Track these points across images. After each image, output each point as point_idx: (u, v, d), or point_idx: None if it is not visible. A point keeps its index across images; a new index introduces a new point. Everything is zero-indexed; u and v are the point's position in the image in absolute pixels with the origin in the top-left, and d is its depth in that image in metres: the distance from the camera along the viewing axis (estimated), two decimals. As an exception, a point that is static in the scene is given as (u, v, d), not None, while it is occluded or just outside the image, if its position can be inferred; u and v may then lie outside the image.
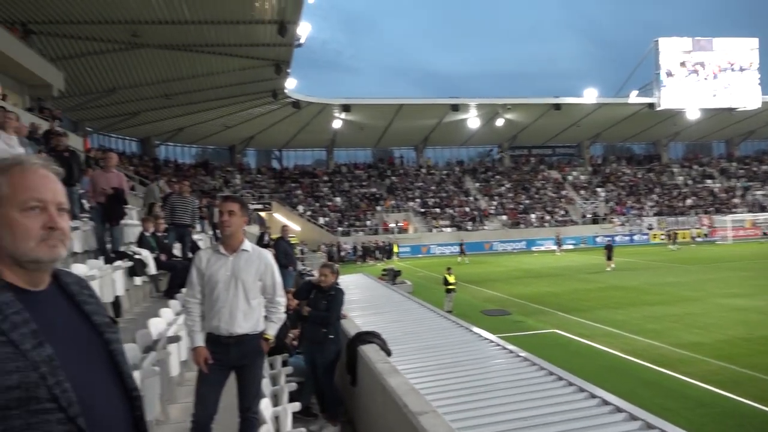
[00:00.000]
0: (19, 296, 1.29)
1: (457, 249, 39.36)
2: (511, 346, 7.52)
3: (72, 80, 26.20)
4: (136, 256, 8.70)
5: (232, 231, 3.80)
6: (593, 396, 5.35)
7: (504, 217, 48.49)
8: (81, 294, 1.48)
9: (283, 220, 38.21)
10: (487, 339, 8.24)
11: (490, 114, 48.39)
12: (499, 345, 7.79)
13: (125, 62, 27.81)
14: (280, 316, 4.01)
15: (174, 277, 9.21)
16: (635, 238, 47.01)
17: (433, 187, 51.94)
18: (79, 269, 6.50)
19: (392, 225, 45.14)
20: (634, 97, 49.44)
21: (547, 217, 48.89)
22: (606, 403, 5.14)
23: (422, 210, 48.34)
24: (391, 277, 24.73)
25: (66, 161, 8.93)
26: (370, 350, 5.81)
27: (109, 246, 8.72)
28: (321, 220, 44.85)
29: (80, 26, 23.63)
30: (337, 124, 46.96)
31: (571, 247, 43.70)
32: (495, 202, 50.62)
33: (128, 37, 25.24)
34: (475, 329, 8.93)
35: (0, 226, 1.31)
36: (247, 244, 3.89)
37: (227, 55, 29.07)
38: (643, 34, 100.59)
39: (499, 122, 49.30)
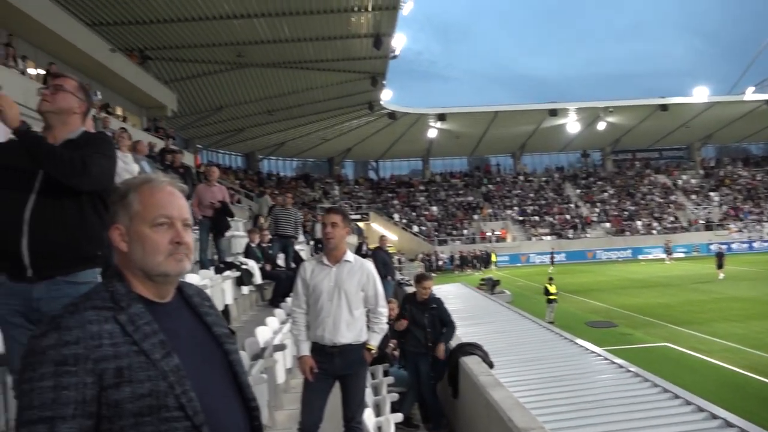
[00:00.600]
0: (148, 308, 1.36)
1: (557, 258, 38.15)
2: (619, 360, 7.18)
3: (183, 101, 27.92)
4: (244, 267, 9.08)
5: (335, 242, 3.88)
6: (714, 417, 4.99)
7: (607, 225, 46.49)
8: (202, 305, 1.54)
9: (380, 230, 38.65)
10: (593, 352, 7.92)
11: (590, 118, 46.69)
12: (606, 359, 7.46)
13: (231, 81, 29.31)
14: (383, 326, 4.04)
15: (278, 287, 9.54)
16: (755, 245, 43.55)
17: (531, 195, 50.74)
18: (192, 279, 6.86)
19: (489, 234, 44.49)
20: (750, 94, 45.94)
21: (655, 224, 46.35)
22: (729, 425, 4.78)
23: (520, 218, 47.32)
24: (490, 286, 24.35)
25: (182, 177, 9.49)
26: (471, 362, 5.73)
27: (215, 257, 9.12)
28: (418, 230, 44.97)
29: (191, 50, 25.20)
30: (432, 133, 47.03)
31: (681, 255, 41.10)
32: (597, 209, 48.65)
33: (234, 58, 26.61)
34: (580, 342, 8.61)
35: (132, 241, 1.39)
36: (350, 255, 3.95)
37: (325, 70, 29.94)
38: (757, 27, 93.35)
39: (601, 126, 47.44)
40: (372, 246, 16.29)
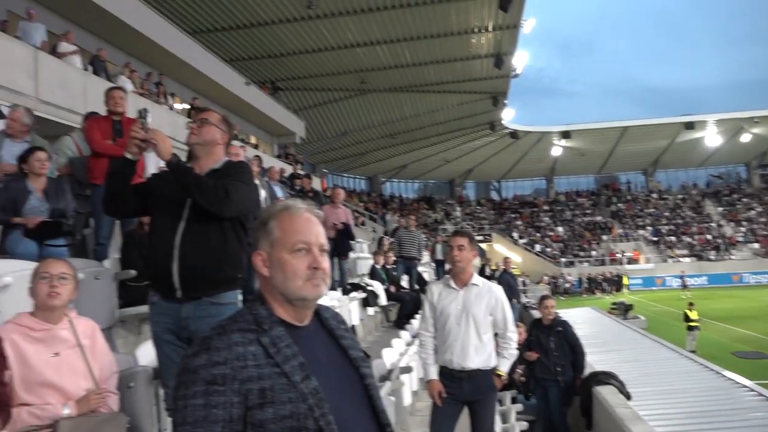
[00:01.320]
0: (288, 330, 1.40)
1: (695, 281, 35.33)
2: (775, 396, 6.46)
3: (310, 127, 29.23)
4: (369, 288, 9.24)
5: (462, 265, 3.83)
6: None
7: (755, 245, 42.39)
8: (338, 329, 1.56)
9: (503, 251, 37.91)
10: (744, 386, 7.20)
11: (733, 130, 43.08)
12: (759, 394, 6.75)
13: (355, 107, 30.33)
14: (512, 351, 3.92)
15: (403, 308, 9.60)
16: None
17: (666, 213, 47.51)
18: (321, 300, 7.06)
19: (620, 255, 42.14)
20: None
21: (814, 245, 41.66)
22: None
23: (654, 238, 44.40)
24: (622, 311, 22.98)
25: (312, 201, 9.86)
26: (607, 392, 5.41)
27: (338, 279, 9.32)
28: (542, 251, 43.59)
29: (317, 79, 26.46)
30: (556, 151, 45.62)
31: None
32: (743, 228, 44.55)
33: (357, 84, 27.55)
34: (728, 374, 7.87)
35: (273, 267, 1.44)
36: (477, 278, 3.89)
37: (446, 92, 30.14)
38: None
39: (745, 138, 43.62)
40: (493, 267, 16.02)
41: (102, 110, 5.75)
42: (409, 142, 38.70)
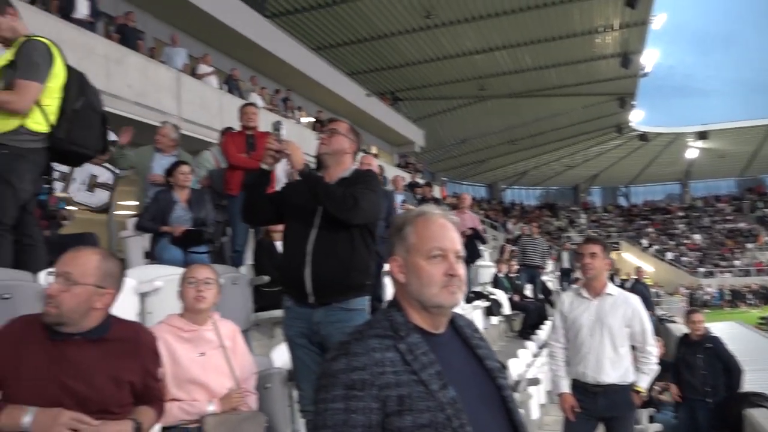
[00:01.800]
0: (424, 338, 1.39)
1: None
2: None
3: (429, 136, 29.36)
4: (492, 297, 9.08)
5: (595, 274, 3.65)
6: None
7: None
8: (473, 337, 1.53)
9: (633, 260, 35.84)
10: None
11: None
12: None
13: (473, 114, 30.11)
14: (652, 366, 3.67)
15: (527, 318, 9.35)
16: None
17: (823, 219, 42.74)
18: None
19: (768, 265, 38.38)
20: None
21: None
22: None
23: (810, 247, 40.06)
24: (773, 326, 20.92)
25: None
26: (761, 416, 4.91)
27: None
28: (675, 259, 40.70)
29: (436, 88, 26.58)
30: (692, 153, 42.42)
31: None
32: None
33: (476, 91, 27.33)
34: None
35: (409, 273, 1.43)
36: (612, 288, 3.68)
37: (569, 96, 29.13)
38: None
39: None
40: (623, 277, 15.19)
41: (236, 125, 6.13)
42: (530, 147, 37.75)
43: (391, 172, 16.14)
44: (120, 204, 10.74)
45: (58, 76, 3.23)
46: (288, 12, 19.53)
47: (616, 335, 3.54)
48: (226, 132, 6.36)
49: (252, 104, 6.17)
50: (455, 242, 1.45)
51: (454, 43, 22.68)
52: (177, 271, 3.91)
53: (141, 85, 10.30)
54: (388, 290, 6.52)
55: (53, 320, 1.86)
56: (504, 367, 2.17)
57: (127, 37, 10.81)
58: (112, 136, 5.36)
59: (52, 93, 3.20)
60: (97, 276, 1.91)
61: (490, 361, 1.49)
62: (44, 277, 3.06)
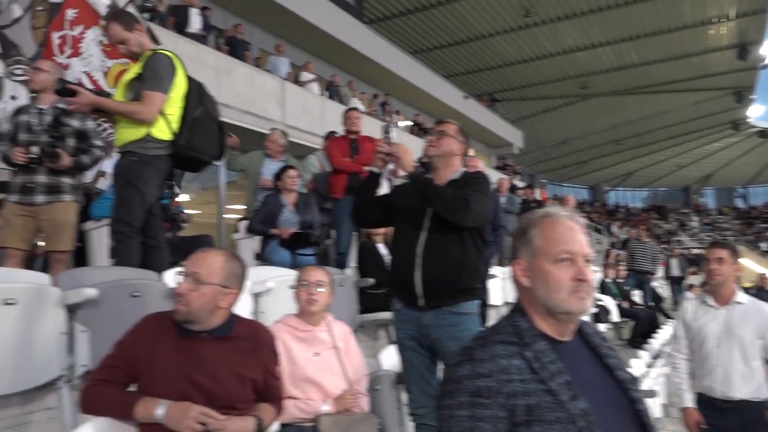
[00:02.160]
0: (550, 345, 1.33)
1: None
2: None
3: (528, 137, 28.72)
4: (600, 302, 8.71)
5: (722, 280, 3.39)
6: None
7: None
8: (602, 346, 1.45)
9: (754, 267, 33.25)
10: None
11: None
12: None
13: (574, 114, 29.13)
14: (790, 382, 3.35)
15: (638, 326, 8.89)
16: None
17: None
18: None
19: None
20: None
21: None
22: None
23: None
24: None
25: (533, 212, 9.67)
26: None
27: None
28: (804, 267, 37.38)
29: (535, 87, 25.97)
30: (822, 150, 38.91)
31: None
32: None
33: (577, 90, 26.44)
34: None
35: (534, 277, 1.38)
36: (742, 296, 3.40)
37: (678, 92, 27.53)
38: None
39: None
40: (746, 284, 14.10)
41: (338, 129, 6.26)
42: (636, 147, 35.98)
43: (491, 174, 15.90)
44: (229, 208, 11.27)
45: (179, 87, 3.43)
46: (385, 17, 19.76)
47: (747, 347, 3.27)
48: (330, 136, 6.50)
49: (355, 109, 6.28)
50: (584, 245, 1.38)
51: (555, 41, 22.06)
52: (287, 273, 4.05)
53: (248, 93, 10.76)
54: (493, 294, 6.40)
55: (183, 318, 1.95)
56: (635, 378, 2.06)
57: (236, 48, 11.34)
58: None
59: (174, 102, 3.40)
60: (223, 276, 1.99)
61: (621, 372, 1.41)
62: (169, 276, 3.24)
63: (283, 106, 11.66)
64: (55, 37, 5.02)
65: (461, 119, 21.71)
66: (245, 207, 6.26)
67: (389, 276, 2.91)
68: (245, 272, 2.12)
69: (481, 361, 1.27)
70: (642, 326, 8.84)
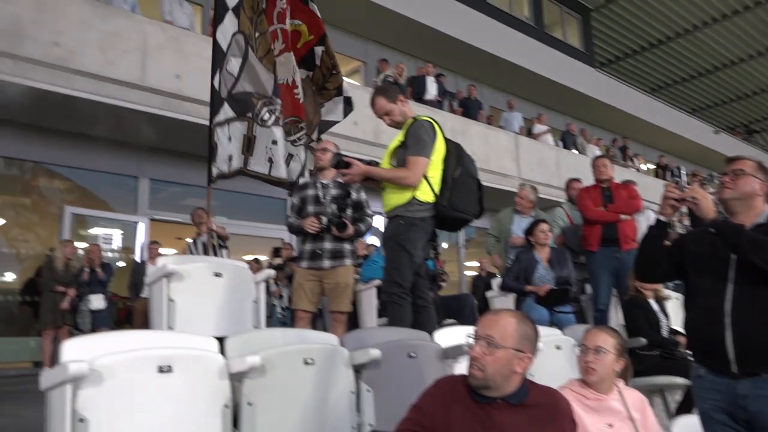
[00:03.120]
0: None
1: None
2: None
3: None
4: None
5: None
6: None
7: None
8: None
9: None
10: None
11: None
12: None
13: None
14: None
15: None
16: None
17: None
18: None
19: None
20: None
21: None
22: None
23: None
24: None
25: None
26: None
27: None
28: None
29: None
30: None
31: None
32: None
33: None
34: None
35: None
36: None
37: None
38: None
39: None
40: None
41: (574, 180, 5.99)
42: None
43: None
44: (467, 265, 11.36)
45: (439, 150, 3.54)
46: (617, 59, 18.96)
47: None
48: (571, 184, 6.24)
49: (604, 156, 5.97)
50: None
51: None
52: (551, 332, 3.84)
53: (483, 151, 10.91)
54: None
55: (479, 383, 1.89)
56: None
57: (469, 109, 11.67)
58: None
59: (435, 165, 3.51)
60: (516, 339, 1.90)
61: None
62: (440, 336, 3.26)
63: (518, 160, 11.61)
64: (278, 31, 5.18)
65: (712, 156, 19.68)
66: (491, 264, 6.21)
67: (688, 337, 2.56)
68: (538, 335, 2.00)
69: None
70: None
